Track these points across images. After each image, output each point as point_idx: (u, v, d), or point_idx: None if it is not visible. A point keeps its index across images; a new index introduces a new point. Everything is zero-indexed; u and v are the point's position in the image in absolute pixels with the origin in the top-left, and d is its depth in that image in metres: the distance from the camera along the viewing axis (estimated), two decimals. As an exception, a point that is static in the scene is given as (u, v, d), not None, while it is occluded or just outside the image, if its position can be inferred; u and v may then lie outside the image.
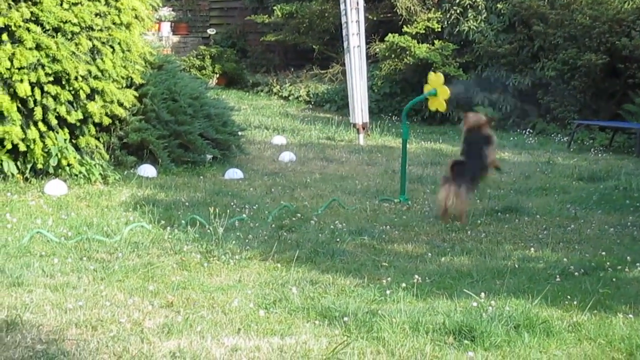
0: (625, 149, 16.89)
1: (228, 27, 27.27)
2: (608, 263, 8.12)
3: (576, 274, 7.80)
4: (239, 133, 14.28)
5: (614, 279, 7.65)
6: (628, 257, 8.29)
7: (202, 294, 6.94)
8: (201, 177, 12.30)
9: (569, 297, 7.01)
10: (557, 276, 7.71)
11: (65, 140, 11.16)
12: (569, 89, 18.90)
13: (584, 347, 5.95)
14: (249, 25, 25.93)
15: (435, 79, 11.02)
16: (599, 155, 16.04)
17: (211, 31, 27.56)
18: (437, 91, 10.84)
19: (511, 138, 18.17)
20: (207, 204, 10.35)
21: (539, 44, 19.47)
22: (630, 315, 6.53)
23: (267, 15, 23.96)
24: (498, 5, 20.32)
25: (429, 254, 8.51)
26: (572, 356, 5.76)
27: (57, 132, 11.09)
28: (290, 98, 23.21)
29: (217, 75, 24.24)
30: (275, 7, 23.49)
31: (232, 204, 10.53)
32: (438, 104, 11.02)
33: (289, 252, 8.29)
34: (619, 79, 18.50)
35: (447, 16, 20.95)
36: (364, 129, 17.24)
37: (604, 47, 18.23)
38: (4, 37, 10.62)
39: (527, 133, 18.90)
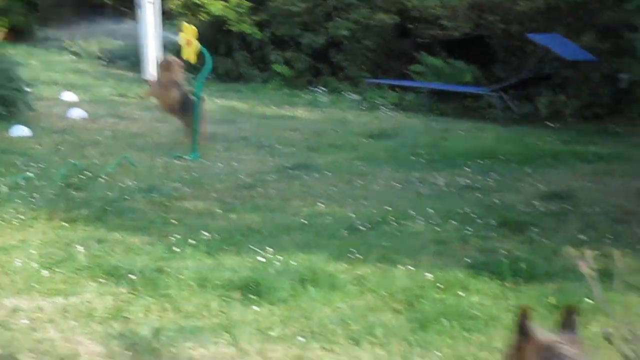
0: (413, 107, 17.28)
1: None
2: (393, 217, 8.31)
3: (362, 228, 7.97)
4: (26, 89, 13.88)
5: (397, 233, 7.86)
6: (412, 212, 8.52)
7: (-17, 254, 6.77)
8: (-15, 134, 11.97)
9: (354, 251, 7.15)
10: (344, 231, 7.87)
11: None
12: (361, 49, 19.20)
13: (366, 298, 6.11)
14: (38, -25, 25.22)
15: (188, 30, 11.39)
16: (389, 113, 16.36)
17: (-4, -19, 26.70)
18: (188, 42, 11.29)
19: (304, 96, 18.34)
20: (-9, 162, 10.09)
21: (333, 3, 19.66)
22: (411, 267, 6.73)
23: (57, -34, 23.40)
24: (292, -38, 20.40)
25: (219, 211, 8.54)
26: (355, 308, 5.89)
27: None
28: (82, 54, 22.74)
29: (4, 29, 23.48)
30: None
31: (17, 162, 10.27)
32: (189, 55, 11.50)
33: (77, 211, 8.17)
34: (409, 39, 18.90)
35: (242, -28, 20.91)
36: (157, 85, 17.05)
37: (395, 8, 18.59)
38: None
39: (320, 91, 19.09)
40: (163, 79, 12.23)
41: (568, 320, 3.67)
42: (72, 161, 10.43)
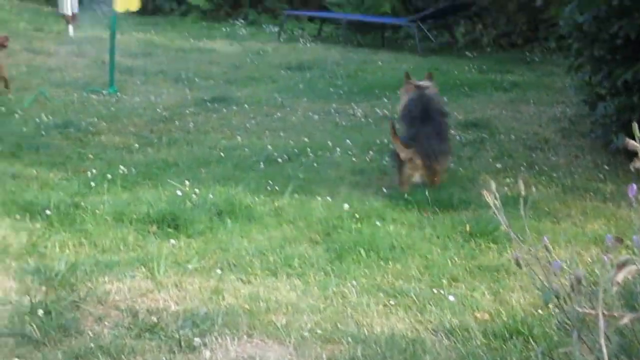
0: (332, 39, 17.26)
1: None
2: (310, 149, 8.32)
3: (280, 160, 7.97)
4: None
5: (315, 164, 7.86)
6: (329, 142, 8.54)
7: None
8: None
9: (271, 182, 7.15)
10: (261, 163, 7.85)
11: None
12: (280, -20, 19.06)
13: (284, 229, 6.11)
14: None
15: None
16: (308, 45, 16.32)
17: None
18: None
19: (223, 29, 18.19)
20: None
21: None
22: (329, 198, 6.74)
23: None
24: None
25: (136, 145, 8.47)
26: (272, 239, 5.88)
27: None
28: (-4, -13, 22.23)
29: None
30: None
31: None
32: (129, 4, 11.18)
33: (-11, 152, 8.04)
34: (326, -35, 18.79)
35: None
36: (73, 19, 16.75)
37: None
38: None
39: (239, 24, 18.95)
40: None
41: (428, 77, 7.67)
42: (40, 89, 10.50)
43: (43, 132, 8.80)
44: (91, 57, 13.82)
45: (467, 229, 6.06)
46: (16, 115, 9.47)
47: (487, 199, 4.03)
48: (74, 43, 15.26)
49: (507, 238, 5.49)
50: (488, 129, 9.41)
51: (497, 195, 3.78)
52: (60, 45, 15.03)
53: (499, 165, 7.95)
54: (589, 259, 5.52)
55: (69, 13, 16.72)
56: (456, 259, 5.57)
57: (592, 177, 7.64)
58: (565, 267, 3.46)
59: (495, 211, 3.94)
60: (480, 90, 11.68)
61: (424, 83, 7.73)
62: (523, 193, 4.63)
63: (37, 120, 9.30)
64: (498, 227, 5.64)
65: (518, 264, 3.84)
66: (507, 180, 7.43)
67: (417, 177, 7.12)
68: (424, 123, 7.26)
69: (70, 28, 16.51)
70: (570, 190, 7.21)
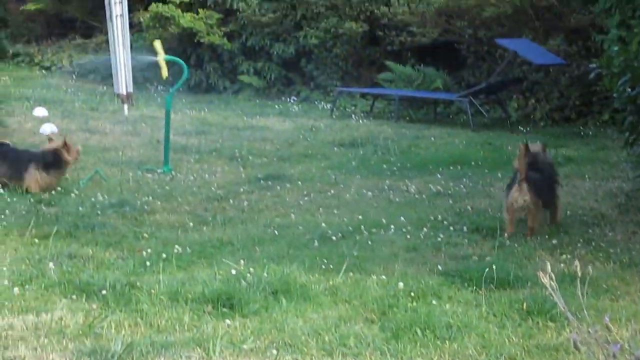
0: (385, 114, 17.33)
1: (-15, -6, 26.41)
2: (364, 226, 8.30)
3: (334, 238, 7.96)
4: (-3, 105, 13.84)
5: (369, 242, 7.85)
6: (383, 220, 8.52)
7: (-47, 272, 6.71)
8: (-45, 151, 11.86)
9: (326, 261, 7.14)
10: (316, 241, 7.85)
11: None
12: (331, 57, 19.22)
13: (339, 308, 6.08)
14: (8, -8, 25.15)
15: (159, 45, 11.42)
16: (360, 121, 16.36)
17: (-34, -1, 26.63)
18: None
19: (276, 106, 18.31)
20: (-40, 179, 10.01)
21: (302, 12, 19.66)
22: (383, 277, 6.72)
23: (27, -17, 23.30)
24: (261, -26, 20.39)
25: (191, 224, 8.50)
26: (327, 318, 5.86)
27: None
28: (52, 68, 22.61)
29: (-26, 46, 23.39)
30: (36, -26, 22.88)
31: (-11, 178, 10.20)
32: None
33: (48, 227, 8.10)
34: (379, 46, 18.94)
35: (211, -16, 20.88)
36: (128, 99, 16.97)
37: (364, 16, 18.63)
38: None
39: (292, 101, 19.11)
40: None
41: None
42: (96, 168, 10.73)
43: (99, 212, 8.88)
44: (146, 136, 13.98)
45: (524, 307, 5.99)
46: (73, 195, 9.57)
47: (542, 280, 4.00)
48: (129, 122, 15.44)
49: (565, 316, 5.41)
50: (543, 205, 9.35)
51: (553, 275, 3.75)
52: (115, 124, 15.21)
53: (555, 242, 7.88)
54: (650, 338, 5.43)
55: (124, 92, 16.92)
56: (513, 337, 5.51)
57: (651, 253, 7.56)
58: (626, 347, 3.42)
59: (552, 292, 3.90)
60: (534, 165, 11.61)
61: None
62: (579, 274, 4.58)
63: (92, 199, 9.39)
64: (556, 305, 5.57)
65: (576, 347, 3.79)
66: (564, 256, 7.37)
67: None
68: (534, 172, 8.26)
69: (125, 107, 16.68)
70: (628, 267, 7.13)
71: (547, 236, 8.09)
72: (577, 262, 5.16)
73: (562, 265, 6.91)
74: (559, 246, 7.73)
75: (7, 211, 8.69)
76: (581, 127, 15.07)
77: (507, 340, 5.46)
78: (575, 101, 15.68)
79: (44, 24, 25.16)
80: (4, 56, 23.80)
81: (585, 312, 4.81)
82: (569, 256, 7.36)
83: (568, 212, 9.03)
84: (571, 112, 15.73)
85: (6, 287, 6.30)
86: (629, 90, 8.55)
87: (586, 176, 10.93)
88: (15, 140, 12.82)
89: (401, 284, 6.45)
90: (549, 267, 4.07)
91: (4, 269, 6.80)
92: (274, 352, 5.24)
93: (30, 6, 23.47)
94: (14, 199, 9.24)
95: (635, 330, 5.54)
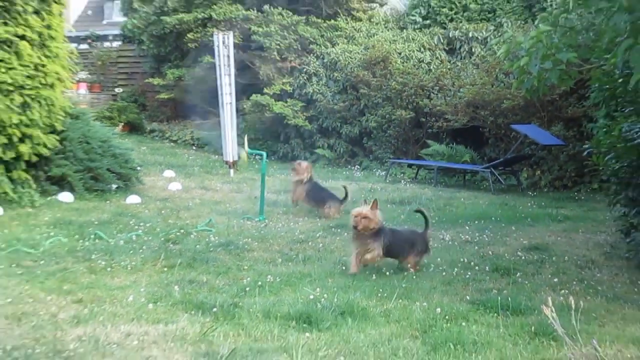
0: (426, 180, 17.28)
1: (132, 87, 27.02)
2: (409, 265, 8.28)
3: (387, 273, 7.92)
4: (138, 168, 14.05)
5: (414, 277, 7.80)
6: (425, 261, 8.47)
7: (105, 291, 6.82)
8: (108, 201, 12.07)
9: (381, 290, 7.13)
10: (373, 275, 7.83)
11: (1, 173, 10.93)
12: (386, 136, 19.26)
13: (391, 327, 6.06)
14: (148, 85, 25.61)
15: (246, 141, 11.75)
16: (407, 185, 16.34)
17: (119, 90, 27.23)
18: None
19: (344, 172, 18.38)
20: (112, 223, 10.19)
21: (365, 102, 19.76)
22: (425, 303, 6.68)
23: (161, 79, 23.70)
24: (334, 74, 20.54)
25: (280, 260, 8.53)
26: (382, 334, 5.84)
27: (-5, 168, 10.86)
28: (178, 141, 22.97)
29: (122, 124, 23.80)
30: (168, 72, 23.27)
31: (131, 222, 10.36)
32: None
33: (173, 259, 8.21)
34: (422, 129, 18.93)
35: (297, 81, 21.07)
36: (233, 165, 17.21)
37: (411, 106, 18.66)
38: (-47, 93, 10.32)
39: (356, 168, 19.15)
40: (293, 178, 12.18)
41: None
42: (210, 218, 10.90)
43: (211, 249, 8.95)
44: (246, 193, 14.09)
45: (532, 329, 5.93)
46: (192, 236, 9.67)
47: (545, 311, 3.97)
48: (234, 182, 15.60)
49: (563, 338, 5.35)
50: (547, 251, 9.23)
51: (554, 308, 3.73)
52: (224, 183, 15.37)
53: (555, 280, 7.77)
54: (629, 355, 5.34)
55: (230, 160, 17.19)
56: (524, 353, 5.45)
57: (630, 290, 7.42)
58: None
59: (552, 320, 3.87)
60: (540, 221, 11.49)
61: None
62: (574, 306, 4.53)
63: (206, 240, 9.48)
64: (556, 329, 5.51)
65: (596, 349, 3.75)
66: (563, 291, 7.26)
67: None
68: None
69: (231, 171, 16.93)
70: (612, 300, 7.01)
71: (550, 275, 7.99)
72: (571, 298, 5.13)
73: (561, 298, 6.80)
74: (558, 283, 7.62)
75: (144, 247, 8.82)
76: (576, 193, 14.90)
77: (519, 355, 5.40)
78: (571, 173, 15.52)
79: (173, 108, 25.59)
80: (144, 132, 24.26)
81: (579, 335, 4.76)
82: (566, 291, 7.25)
83: (566, 257, 8.90)
84: (568, 181, 15.56)
85: (143, 303, 6.40)
86: (614, 165, 8.49)
87: (580, 231, 10.77)
88: (150, 195, 13.06)
89: (438, 309, 6.42)
90: (550, 301, 4.05)
91: (142, 289, 6.90)
92: (342, 359, 5.25)
93: (163, 95, 23.92)
94: (149, 238, 9.37)
95: (618, 349, 5.47)
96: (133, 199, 12.28)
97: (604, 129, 8.72)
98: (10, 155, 10.99)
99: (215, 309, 6.27)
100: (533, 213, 12.23)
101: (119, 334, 5.64)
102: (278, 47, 20.97)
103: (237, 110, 18.63)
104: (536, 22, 6.93)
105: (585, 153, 9.78)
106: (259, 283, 7.25)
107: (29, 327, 5.73)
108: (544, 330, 5.84)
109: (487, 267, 8.26)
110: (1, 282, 6.96)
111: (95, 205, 11.64)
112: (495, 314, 6.45)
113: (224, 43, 17.24)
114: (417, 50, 20.17)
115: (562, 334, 3.37)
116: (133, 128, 24.38)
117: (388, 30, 22.10)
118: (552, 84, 6.78)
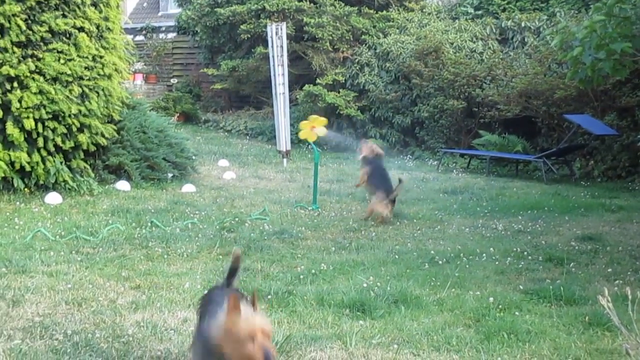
0: (478, 170, 17.14)
1: (187, 77, 27.25)
2: (463, 254, 8.23)
3: (440, 262, 7.90)
4: (193, 157, 14.19)
5: (467, 266, 7.77)
6: (478, 250, 8.43)
7: (162, 278, 6.91)
8: (164, 190, 12.20)
9: (434, 279, 7.11)
10: (426, 264, 7.81)
11: (61, 162, 11.12)
12: (438, 126, 19.13)
13: (444, 316, 6.05)
14: (203, 76, 25.86)
15: (316, 120, 11.78)
16: (459, 175, 16.23)
17: (174, 80, 27.52)
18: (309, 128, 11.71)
19: (396, 162, 18.30)
20: (168, 211, 10.30)
21: (417, 92, 19.65)
22: (478, 293, 6.65)
23: (216, 69, 23.85)
24: (387, 64, 20.45)
25: (333, 248, 8.54)
26: (435, 322, 5.84)
27: (55, 157, 11.04)
28: (232, 131, 23.09)
29: (178, 114, 24.06)
30: (222, 63, 23.39)
31: (186, 210, 10.46)
32: (306, 135, 11.69)
33: (228, 247, 8.27)
34: (474, 119, 18.77)
35: (349, 71, 21.04)
36: (287, 154, 17.27)
37: (463, 96, 18.49)
38: (15, 84, 10.52)
39: (408, 158, 19.07)
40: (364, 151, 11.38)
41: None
42: (264, 207, 10.97)
43: (265, 237, 9.00)
44: (299, 182, 14.12)
45: (586, 319, 5.87)
46: (246, 225, 9.73)
47: (601, 302, 3.91)
48: (287, 171, 15.65)
49: (618, 328, 5.27)
50: (600, 241, 9.10)
51: (610, 298, 3.67)
52: (277, 173, 15.43)
53: (609, 270, 7.67)
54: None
55: (284, 149, 17.26)
56: (578, 342, 5.40)
57: (687, 281, 7.30)
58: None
59: (609, 311, 3.81)
60: (594, 211, 11.33)
61: None
62: (630, 296, 4.45)
63: (260, 228, 9.53)
64: (611, 319, 5.42)
65: (628, 353, 3.69)
66: (617, 281, 7.16)
67: None
68: None
69: (285, 161, 16.99)
70: (668, 291, 6.90)
71: (604, 266, 7.88)
72: (627, 288, 5.05)
73: (615, 288, 6.72)
74: (613, 274, 7.51)
75: (199, 235, 8.91)
76: (630, 183, 14.62)
77: (573, 345, 5.35)
78: (625, 163, 15.24)
79: (227, 99, 25.77)
80: (199, 122, 24.47)
81: (634, 325, 4.68)
82: (620, 282, 7.15)
83: (620, 248, 8.77)
84: (622, 171, 15.29)
85: (200, 290, 6.46)
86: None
87: (634, 221, 10.59)
88: (205, 184, 13.17)
89: (491, 299, 6.39)
90: (606, 291, 3.99)
91: (197, 276, 6.98)
92: (395, 346, 5.25)
93: (218, 85, 24.05)
94: (205, 226, 9.46)
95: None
96: (188, 188, 12.39)
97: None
98: (69, 144, 11.17)
99: (269, 296, 6.32)
100: (586, 203, 12.06)
101: (176, 320, 5.71)
102: (330, 37, 20.96)
103: (290, 101, 18.68)
104: (590, 12, 6.82)
105: (639, 143, 9.60)
106: (313, 271, 7.28)
107: (89, 312, 5.84)
108: (598, 321, 5.78)
109: (540, 257, 8.18)
110: (62, 269, 7.10)
111: (151, 194, 11.78)
112: (549, 304, 6.39)
113: (277, 34, 17.28)
114: (469, 41, 19.98)
115: (619, 324, 3.31)
116: (188, 118, 24.61)
117: (440, 20, 21.91)
118: (606, 74, 6.67)
